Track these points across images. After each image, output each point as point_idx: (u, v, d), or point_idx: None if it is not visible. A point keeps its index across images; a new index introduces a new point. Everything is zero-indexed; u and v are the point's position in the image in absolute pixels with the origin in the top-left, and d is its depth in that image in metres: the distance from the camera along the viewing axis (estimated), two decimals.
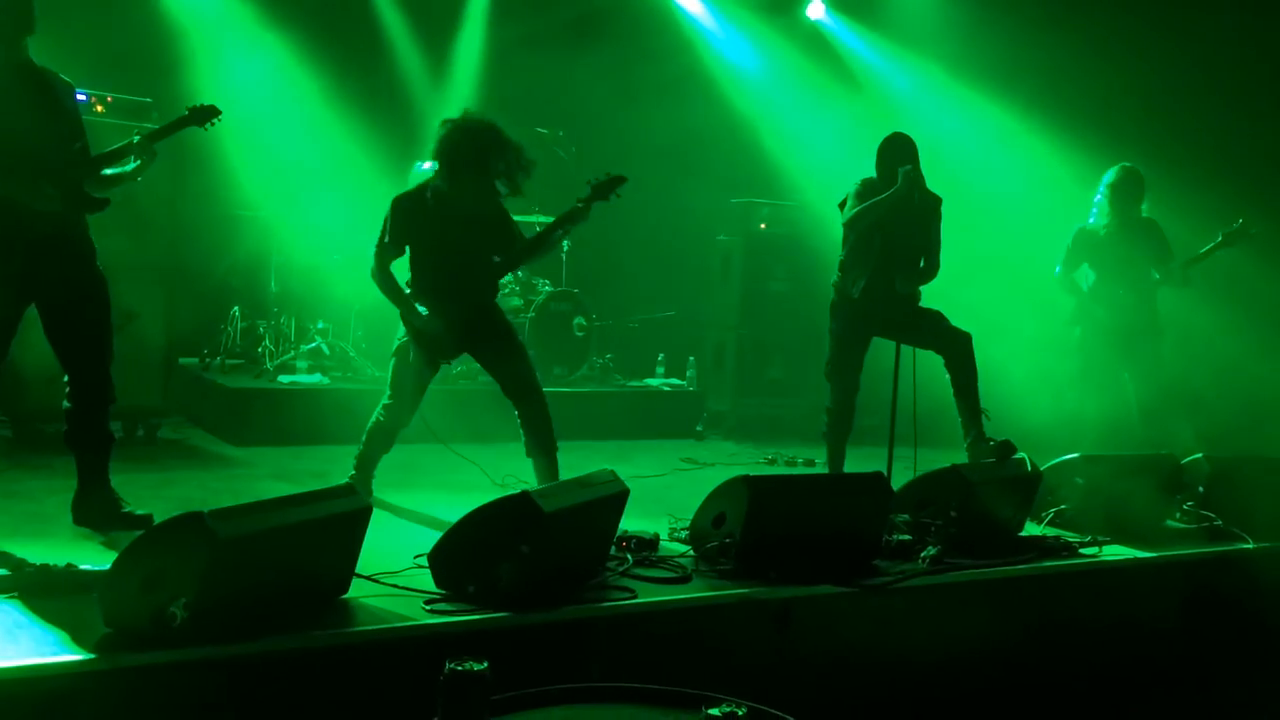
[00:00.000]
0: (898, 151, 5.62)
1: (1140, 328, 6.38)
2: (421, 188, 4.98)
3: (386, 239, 4.89)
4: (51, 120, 4.08)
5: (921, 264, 5.75)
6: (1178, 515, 5.50)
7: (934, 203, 5.75)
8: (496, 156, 4.81)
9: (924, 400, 5.85)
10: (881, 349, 5.82)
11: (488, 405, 6.22)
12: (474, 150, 4.79)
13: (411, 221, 4.89)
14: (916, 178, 5.52)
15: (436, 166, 4.92)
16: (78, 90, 4.36)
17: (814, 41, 9.71)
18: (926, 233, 5.73)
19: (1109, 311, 6.40)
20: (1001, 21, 8.30)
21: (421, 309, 4.88)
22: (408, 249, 4.95)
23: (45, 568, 3.41)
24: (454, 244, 4.91)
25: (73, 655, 2.84)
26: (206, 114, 4.39)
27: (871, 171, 5.74)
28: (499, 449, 5.75)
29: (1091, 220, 6.46)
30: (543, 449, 4.99)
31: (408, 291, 4.95)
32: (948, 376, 5.68)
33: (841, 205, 5.81)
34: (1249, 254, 6.33)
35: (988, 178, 8.22)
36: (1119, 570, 4.76)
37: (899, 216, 5.56)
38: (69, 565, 3.43)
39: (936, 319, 5.69)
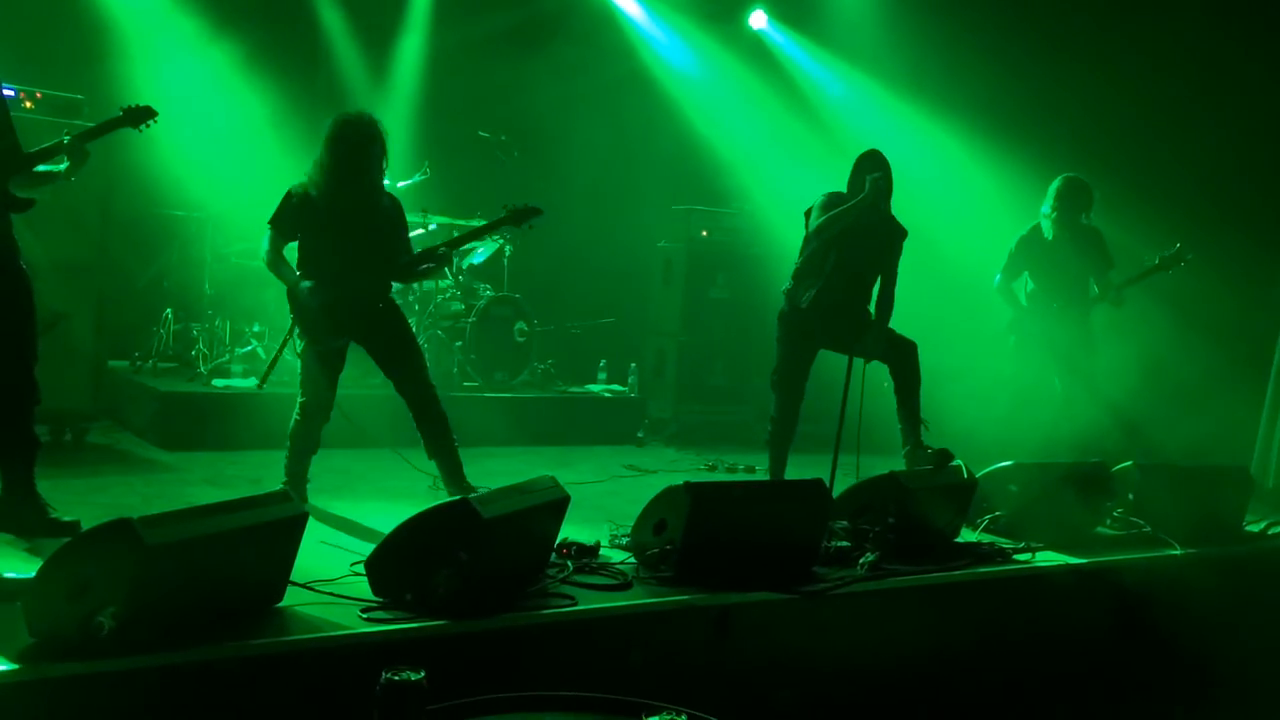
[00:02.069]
0: (870, 165, 5.57)
1: (1075, 337, 6.51)
2: (315, 179, 4.94)
3: (280, 227, 4.92)
4: None
5: (876, 289, 5.72)
6: (1108, 522, 5.61)
7: (899, 232, 5.72)
8: (377, 150, 4.89)
9: (867, 407, 5.90)
10: (826, 357, 5.86)
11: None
12: (357, 142, 4.85)
13: (303, 211, 4.89)
14: (884, 187, 5.48)
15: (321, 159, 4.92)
16: (5, 85, 4.25)
17: (756, 51, 9.79)
18: (885, 254, 5.68)
19: (1045, 320, 6.52)
20: (939, 36, 8.43)
21: (306, 283, 4.88)
22: (299, 237, 4.98)
23: None
24: (344, 233, 4.91)
25: None
26: (141, 115, 4.30)
27: (829, 184, 5.73)
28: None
29: (1038, 230, 6.57)
30: (443, 450, 5.00)
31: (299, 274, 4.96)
32: (889, 384, 5.73)
33: (807, 214, 5.77)
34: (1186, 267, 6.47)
35: (925, 188, 8.33)
36: (1051, 576, 4.84)
37: (862, 230, 5.53)
38: None
39: (880, 328, 5.71)
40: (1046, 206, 6.53)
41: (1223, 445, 6.98)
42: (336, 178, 4.86)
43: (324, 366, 4.95)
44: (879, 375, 5.80)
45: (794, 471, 5.67)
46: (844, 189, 5.67)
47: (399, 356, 5.03)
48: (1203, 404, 7.24)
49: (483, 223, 5.15)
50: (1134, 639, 4.92)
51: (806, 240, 5.78)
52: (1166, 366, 7.31)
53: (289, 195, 4.94)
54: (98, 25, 7.54)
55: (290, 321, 5.00)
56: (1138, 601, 4.88)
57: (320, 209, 4.88)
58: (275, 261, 4.91)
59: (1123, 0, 7.96)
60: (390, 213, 5.11)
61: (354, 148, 4.84)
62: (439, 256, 5.14)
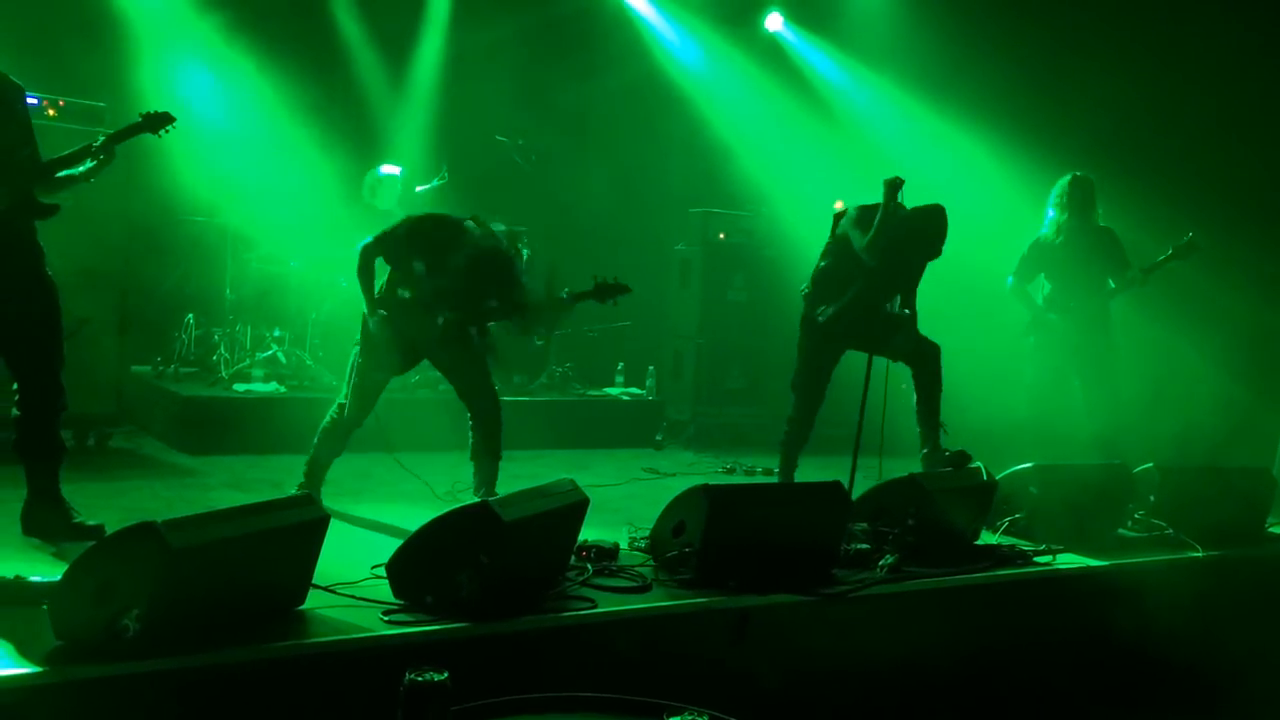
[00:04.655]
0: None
1: (1093, 337, 6.47)
2: (446, 219, 5.11)
3: (386, 246, 4.97)
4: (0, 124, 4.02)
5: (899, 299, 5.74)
6: (1129, 524, 5.58)
7: (930, 255, 5.66)
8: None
9: (883, 409, 5.90)
10: (848, 360, 5.85)
11: (445, 415, 6.20)
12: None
13: (416, 250, 4.98)
14: (896, 182, 5.47)
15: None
16: (29, 94, 4.29)
17: (772, 53, 9.79)
18: (911, 277, 5.70)
19: (1063, 321, 6.48)
20: (955, 36, 8.42)
21: (381, 313, 4.89)
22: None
23: None
24: (449, 282, 4.99)
25: (22, 668, 2.78)
26: (160, 120, 4.33)
27: (845, 185, 5.74)
28: (454, 458, 5.72)
29: (1046, 231, 6.54)
30: (489, 454, 5.07)
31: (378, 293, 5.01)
32: (907, 385, 5.72)
33: (837, 218, 5.79)
34: (1200, 266, 6.44)
35: (941, 188, 8.30)
36: (1072, 578, 4.82)
37: (894, 251, 5.52)
38: (18, 577, 3.36)
39: (907, 330, 5.71)
40: (1053, 208, 6.50)
41: (1245, 446, 6.94)
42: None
43: (378, 382, 5.02)
44: (898, 377, 5.79)
45: (814, 474, 5.66)
46: (863, 197, 5.68)
47: (463, 368, 5.11)
48: (1223, 404, 7.21)
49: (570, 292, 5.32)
50: (1155, 641, 4.89)
51: (831, 246, 5.77)
52: (1186, 367, 7.28)
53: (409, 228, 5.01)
54: (119, 34, 7.59)
55: (358, 335, 5.06)
56: (1159, 604, 4.85)
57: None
58: (364, 271, 4.96)
59: None
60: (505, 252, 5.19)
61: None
62: (564, 303, 5.27)
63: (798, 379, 5.86)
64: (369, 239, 4.98)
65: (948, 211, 5.60)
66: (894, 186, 5.48)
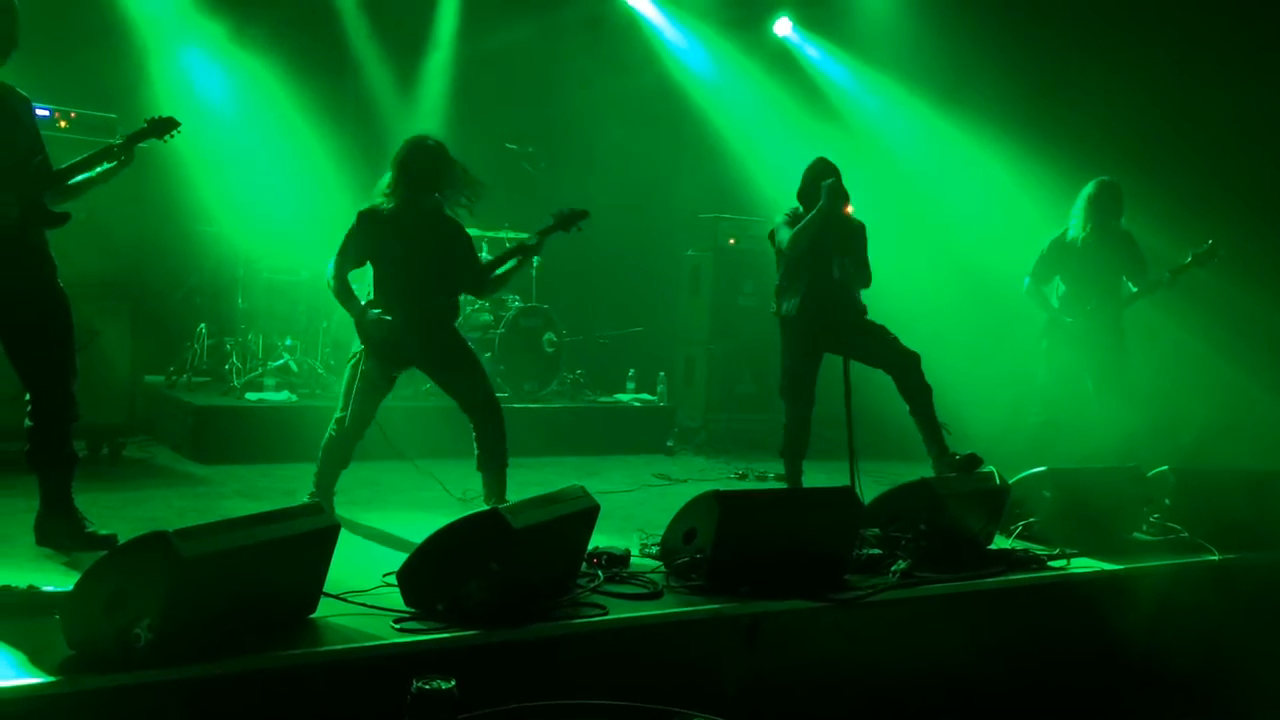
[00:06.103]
0: (819, 172, 5.70)
1: (1107, 339, 6.45)
2: (384, 203, 5.01)
3: (348, 251, 4.95)
4: (8, 134, 4.04)
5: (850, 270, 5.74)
6: (1144, 527, 5.55)
7: (858, 227, 5.80)
8: (446, 174, 5.02)
9: (892, 413, 5.88)
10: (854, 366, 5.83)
11: (453, 422, 6.21)
12: (429, 166, 4.97)
13: (374, 235, 4.94)
14: (838, 188, 5.56)
15: (390, 181, 5.02)
16: (40, 105, 4.31)
17: (781, 58, 9.79)
18: (853, 254, 5.74)
19: (1076, 322, 6.46)
20: (964, 40, 8.40)
21: (375, 312, 4.90)
22: (369, 263, 5.02)
23: (6, 589, 3.35)
24: (413, 256, 4.97)
25: (35, 678, 2.79)
26: (165, 126, 4.35)
27: (851, 188, 5.73)
28: (464, 465, 5.73)
29: (1069, 232, 6.51)
30: (494, 465, 5.03)
31: (365, 302, 4.99)
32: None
33: (771, 235, 5.90)
34: (1216, 266, 6.41)
35: (952, 192, 8.30)
36: (1086, 583, 4.79)
37: (829, 236, 5.59)
38: (31, 586, 3.38)
39: (885, 337, 5.72)
40: (1078, 210, 6.47)
41: (1259, 447, 6.89)
42: (401, 198, 4.96)
43: (377, 389, 5.01)
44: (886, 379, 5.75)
45: (822, 479, 5.65)
46: (869, 200, 5.70)
47: (461, 380, 5.08)
48: (1238, 406, 7.16)
49: (526, 235, 5.19)
50: (1171, 646, 4.86)
51: (779, 258, 5.89)
52: (1202, 368, 7.24)
53: (358, 219, 4.98)
54: (132, 47, 7.64)
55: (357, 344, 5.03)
56: (1175, 608, 4.82)
57: (387, 230, 4.95)
58: (341, 288, 4.94)
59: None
60: (453, 232, 5.16)
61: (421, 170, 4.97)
62: (529, 247, 5.15)
63: (784, 384, 5.91)
64: (332, 261, 4.94)
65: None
66: (835, 194, 5.52)
